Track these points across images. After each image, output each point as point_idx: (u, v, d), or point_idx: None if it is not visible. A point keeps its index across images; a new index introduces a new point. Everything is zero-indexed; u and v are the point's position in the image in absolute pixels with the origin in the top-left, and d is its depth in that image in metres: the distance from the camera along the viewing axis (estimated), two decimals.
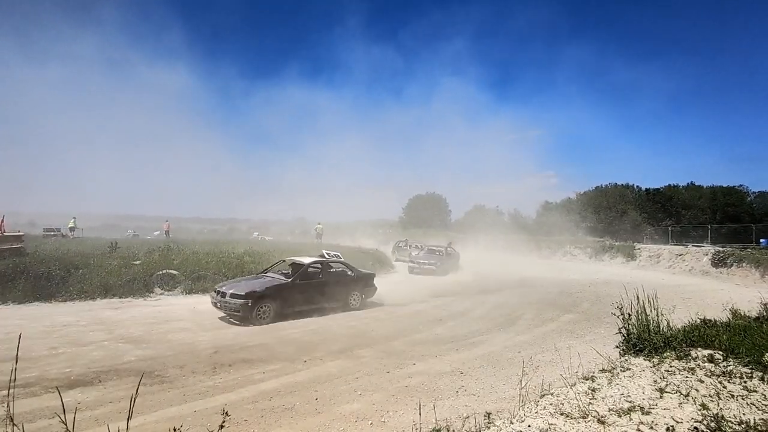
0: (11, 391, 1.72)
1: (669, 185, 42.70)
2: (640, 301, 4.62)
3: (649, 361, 3.99)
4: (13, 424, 1.73)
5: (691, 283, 18.80)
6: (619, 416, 2.84)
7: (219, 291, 10.38)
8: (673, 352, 4.11)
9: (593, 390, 3.36)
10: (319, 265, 12.08)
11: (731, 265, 20.67)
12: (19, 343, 1.87)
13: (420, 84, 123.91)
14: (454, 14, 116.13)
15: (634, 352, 4.35)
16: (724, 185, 40.64)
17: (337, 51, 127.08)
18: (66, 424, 1.74)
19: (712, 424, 2.64)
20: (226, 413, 2.42)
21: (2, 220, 16.29)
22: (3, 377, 5.54)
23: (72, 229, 27.90)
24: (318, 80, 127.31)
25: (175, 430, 2.23)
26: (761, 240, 28.09)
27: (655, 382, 3.42)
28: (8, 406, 1.75)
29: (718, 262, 21.39)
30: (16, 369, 1.83)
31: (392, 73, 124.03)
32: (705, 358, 3.90)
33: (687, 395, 3.12)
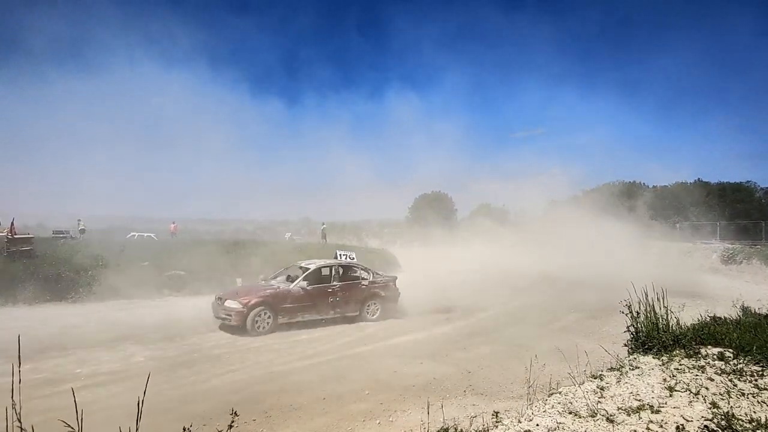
0: (19, 395, 1.74)
1: (677, 182, 42.33)
2: (649, 299, 4.58)
3: (658, 359, 3.96)
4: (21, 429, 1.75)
5: (700, 280, 18.61)
6: (628, 415, 2.82)
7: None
8: (683, 350, 4.08)
9: (602, 388, 3.34)
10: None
11: (741, 262, 20.46)
12: (19, 345, 1.89)
13: (424, 82, 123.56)
14: (457, 13, 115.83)
15: (642, 351, 4.32)
16: (732, 182, 40.16)
17: (338, 50, 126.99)
18: (72, 426, 1.75)
19: (723, 423, 2.61)
20: (235, 413, 2.44)
21: (13, 223, 16.47)
22: (10, 378, 5.60)
23: (82, 231, 28.18)
24: (320, 79, 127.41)
25: (184, 429, 2.24)
26: None
27: (665, 380, 3.39)
28: (15, 408, 1.77)
29: (728, 259, 21.19)
30: (20, 371, 1.85)
31: (394, 71, 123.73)
32: (715, 356, 3.86)
33: (697, 394, 3.10)
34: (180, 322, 10.10)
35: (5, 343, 6.89)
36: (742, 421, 2.66)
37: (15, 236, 15.27)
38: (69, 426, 1.76)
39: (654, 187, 42.25)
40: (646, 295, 4.59)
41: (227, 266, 16.12)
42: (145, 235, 28.02)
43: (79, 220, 29.34)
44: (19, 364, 1.91)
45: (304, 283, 9.83)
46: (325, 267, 10.72)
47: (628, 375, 3.59)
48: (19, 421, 1.78)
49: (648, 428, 2.64)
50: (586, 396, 3.12)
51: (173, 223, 32.75)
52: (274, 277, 10.90)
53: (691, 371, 3.56)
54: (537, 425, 2.74)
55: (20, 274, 12.37)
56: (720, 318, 5.26)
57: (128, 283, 13.41)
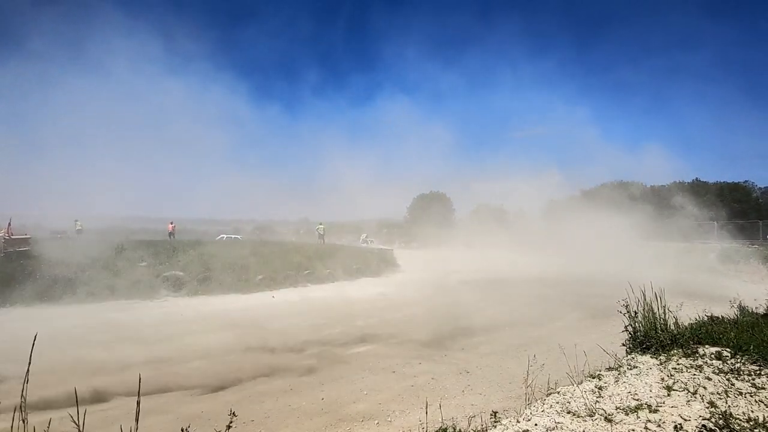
0: (24, 394, 1.74)
1: (674, 182, 42.41)
2: (647, 299, 4.59)
3: (656, 358, 3.96)
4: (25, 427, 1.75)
5: (698, 280, 18.66)
6: (627, 414, 2.82)
7: None
8: (681, 350, 4.08)
9: (600, 388, 3.34)
10: None
11: (738, 262, 20.54)
12: (33, 344, 1.89)
13: (422, 82, 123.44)
14: (457, 13, 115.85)
15: (640, 350, 4.32)
16: (730, 181, 40.29)
17: (336, 51, 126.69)
18: (78, 424, 1.75)
19: (720, 422, 2.62)
20: (233, 413, 2.44)
21: (9, 224, 16.43)
22: (11, 380, 5.59)
23: (79, 231, 28.08)
24: (319, 78, 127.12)
25: (183, 430, 2.24)
26: None
27: (663, 380, 3.40)
28: (22, 407, 1.77)
29: (726, 258, 21.26)
30: (28, 371, 1.85)
31: (394, 70, 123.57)
32: (713, 356, 3.87)
33: (695, 393, 3.10)
34: (179, 323, 10.10)
35: (2, 344, 6.89)
36: (740, 420, 2.67)
37: (12, 237, 15.25)
38: (76, 423, 1.77)
39: (652, 186, 42.32)
40: (644, 294, 4.60)
41: (225, 267, 16.08)
42: (233, 236, 30.18)
43: (76, 221, 29.20)
44: (29, 362, 1.92)
45: None
46: None
47: (626, 374, 3.60)
48: (24, 421, 1.78)
49: (646, 428, 2.64)
50: (585, 396, 3.13)
51: (171, 222, 32.66)
52: None
53: (688, 371, 3.57)
54: (535, 425, 2.74)
55: (18, 275, 12.34)
56: (717, 317, 5.27)
57: (126, 284, 13.39)
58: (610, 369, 3.86)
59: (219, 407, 5.23)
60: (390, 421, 5.02)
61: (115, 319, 10.32)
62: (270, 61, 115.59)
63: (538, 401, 3.19)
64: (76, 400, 1.89)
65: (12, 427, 1.77)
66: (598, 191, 43.86)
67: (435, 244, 33.16)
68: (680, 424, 2.66)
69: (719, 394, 3.09)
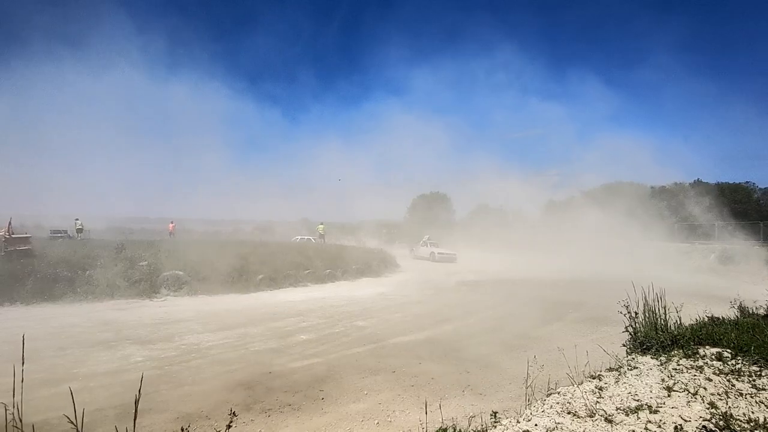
0: (21, 394, 1.74)
1: (675, 183, 42.38)
2: (647, 299, 4.59)
3: (657, 359, 3.96)
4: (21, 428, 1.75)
5: (698, 281, 18.67)
6: (627, 415, 2.82)
7: None
8: (681, 351, 4.08)
9: (600, 389, 3.34)
10: None
11: (739, 263, 20.54)
12: (23, 345, 1.89)
13: (419, 83, 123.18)
14: (457, 15, 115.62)
15: (641, 351, 4.32)
16: (731, 182, 40.26)
17: (336, 51, 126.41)
18: (75, 424, 1.75)
19: (721, 423, 2.61)
20: (233, 413, 2.44)
21: (10, 223, 16.42)
22: (10, 379, 5.59)
23: (79, 230, 28.09)
24: (318, 77, 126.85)
25: (182, 430, 2.24)
26: None
27: (663, 380, 3.39)
28: (16, 407, 1.77)
29: (726, 259, 21.25)
30: (23, 370, 1.85)
31: (393, 70, 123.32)
32: (713, 357, 3.87)
33: (695, 394, 3.10)
34: (179, 322, 10.11)
35: (2, 344, 6.89)
36: (741, 421, 2.66)
37: (12, 236, 15.24)
38: (72, 423, 1.77)
39: (652, 187, 42.31)
40: (645, 295, 4.60)
41: (226, 266, 16.08)
42: (306, 238, 31.18)
43: (77, 220, 29.21)
44: (22, 363, 1.91)
45: None
46: None
47: (627, 375, 3.60)
48: (20, 420, 1.78)
49: (646, 428, 2.64)
50: (585, 396, 3.13)
51: (171, 222, 32.71)
52: None
53: (689, 371, 3.57)
54: (535, 425, 2.74)
55: (18, 274, 12.35)
56: (718, 318, 5.27)
57: (126, 283, 13.39)
58: (610, 369, 3.86)
59: (219, 406, 5.23)
60: (390, 421, 5.02)
61: (115, 318, 10.33)
62: (270, 64, 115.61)
63: (539, 401, 3.19)
64: (72, 400, 1.89)
65: (6, 426, 1.77)
66: (597, 192, 43.85)
67: (435, 245, 33.10)
68: (680, 424, 2.66)
69: (720, 395, 3.08)
